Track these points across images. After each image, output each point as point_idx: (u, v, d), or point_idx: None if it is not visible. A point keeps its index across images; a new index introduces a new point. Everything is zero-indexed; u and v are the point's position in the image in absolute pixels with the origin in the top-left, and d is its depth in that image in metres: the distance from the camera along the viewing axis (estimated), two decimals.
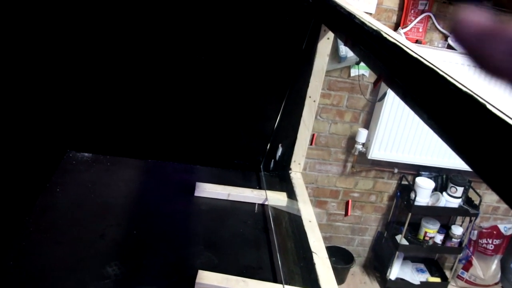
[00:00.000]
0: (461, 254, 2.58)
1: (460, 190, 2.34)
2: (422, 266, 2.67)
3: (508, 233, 2.62)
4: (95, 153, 1.21)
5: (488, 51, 0.13)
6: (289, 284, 0.91)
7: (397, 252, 2.46)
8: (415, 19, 1.93)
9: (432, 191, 2.35)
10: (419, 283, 2.58)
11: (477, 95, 0.37)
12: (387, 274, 2.52)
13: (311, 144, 2.19)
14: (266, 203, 1.16)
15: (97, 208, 1.01)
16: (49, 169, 1.11)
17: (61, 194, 1.04)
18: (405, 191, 2.41)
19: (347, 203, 2.42)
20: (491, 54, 0.13)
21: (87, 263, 0.84)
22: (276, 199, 1.18)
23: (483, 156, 0.36)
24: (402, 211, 2.44)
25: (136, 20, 1.06)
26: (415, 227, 2.52)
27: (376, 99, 2.15)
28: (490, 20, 0.14)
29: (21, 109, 1.04)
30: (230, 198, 1.15)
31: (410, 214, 2.32)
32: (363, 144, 2.23)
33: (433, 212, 2.42)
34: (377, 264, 2.63)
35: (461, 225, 2.53)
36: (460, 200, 2.36)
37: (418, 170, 2.40)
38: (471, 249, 2.65)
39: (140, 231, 0.97)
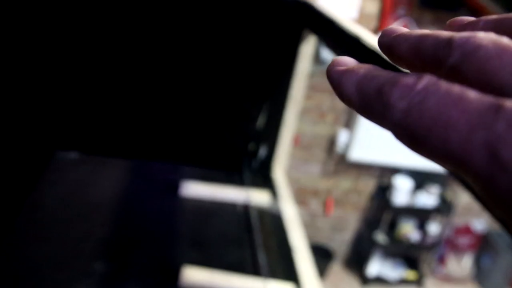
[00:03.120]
0: (437, 251, 2.66)
1: (436, 189, 2.41)
2: (400, 263, 2.75)
3: (482, 231, 2.71)
4: (82, 153, 1.22)
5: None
6: (271, 281, 0.93)
7: (376, 250, 2.52)
8: (394, 23, 1.99)
9: (410, 190, 2.42)
10: (397, 279, 2.65)
11: None
12: (366, 271, 2.58)
13: (293, 144, 2.22)
14: (249, 202, 1.18)
15: (84, 207, 1.02)
16: (37, 170, 1.11)
17: (48, 193, 1.04)
18: (384, 190, 2.47)
19: (328, 202, 2.46)
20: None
21: (73, 261, 0.85)
22: (259, 198, 1.20)
23: None
24: (381, 210, 2.50)
25: (122, 21, 1.06)
26: (393, 225, 2.58)
27: None
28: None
29: (8, 109, 1.04)
30: (214, 198, 1.17)
31: (388, 212, 2.38)
32: (344, 145, 2.27)
33: (411, 210, 2.49)
34: (357, 261, 2.69)
35: (437, 223, 2.60)
36: (436, 199, 2.44)
37: (396, 170, 2.47)
38: (447, 246, 2.73)
39: (126, 230, 0.98)
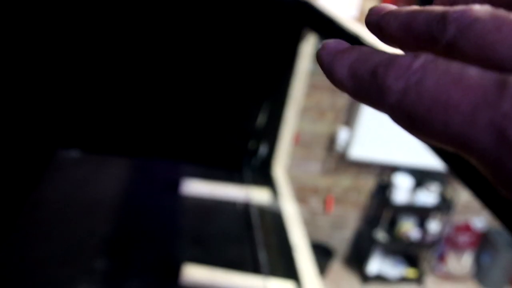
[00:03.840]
0: (437, 249, 2.67)
1: (436, 187, 2.42)
2: (400, 260, 2.75)
3: (482, 228, 2.72)
4: (84, 151, 1.22)
5: None
6: (271, 279, 0.94)
7: (376, 247, 2.52)
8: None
9: (410, 188, 2.42)
10: (397, 277, 2.65)
11: None
12: (366, 269, 2.59)
13: (293, 143, 2.23)
14: (249, 200, 1.19)
15: (85, 205, 1.02)
16: (39, 168, 1.12)
17: (50, 192, 1.05)
18: (384, 188, 2.47)
19: (328, 200, 2.47)
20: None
21: (75, 259, 0.86)
22: (259, 196, 1.20)
23: (457, 155, 0.39)
24: (381, 208, 2.51)
25: (124, 21, 1.07)
26: (393, 223, 2.59)
27: None
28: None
29: (10, 108, 1.04)
30: (214, 195, 1.18)
31: (388, 210, 2.38)
32: (344, 143, 2.28)
33: (411, 208, 2.49)
34: (357, 259, 2.70)
35: (437, 221, 2.61)
36: (436, 196, 2.44)
37: (396, 167, 2.47)
38: (447, 244, 2.74)
39: (127, 228, 0.99)
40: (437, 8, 0.15)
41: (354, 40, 0.69)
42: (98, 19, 1.05)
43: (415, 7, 0.16)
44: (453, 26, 0.14)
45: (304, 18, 1.07)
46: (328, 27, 0.83)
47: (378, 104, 0.15)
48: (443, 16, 0.14)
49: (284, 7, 1.11)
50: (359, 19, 2.01)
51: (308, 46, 1.18)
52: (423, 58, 0.14)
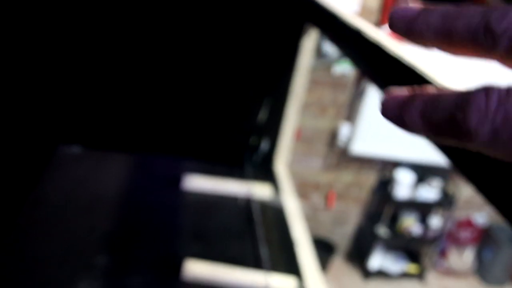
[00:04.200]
0: (439, 245, 2.67)
1: (438, 182, 2.42)
2: (401, 256, 2.76)
3: (483, 224, 2.71)
4: (85, 148, 1.22)
5: (405, 118, 0.16)
6: (273, 274, 0.94)
7: (378, 243, 2.52)
8: None
9: (412, 184, 2.42)
10: (398, 272, 2.66)
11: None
12: (368, 265, 2.59)
13: (295, 138, 2.23)
14: (251, 196, 1.19)
15: (87, 201, 1.02)
16: (40, 165, 1.12)
17: (51, 188, 1.05)
18: (386, 183, 2.47)
19: (329, 195, 2.47)
20: (407, 120, 0.16)
21: (77, 255, 0.86)
22: (261, 192, 1.20)
23: (459, 150, 0.39)
24: (383, 203, 2.51)
25: (124, 16, 1.06)
26: (394, 219, 2.59)
27: (359, 94, 2.19)
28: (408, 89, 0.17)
29: (11, 104, 1.04)
30: (216, 191, 1.18)
31: (390, 205, 2.38)
32: (346, 138, 2.27)
33: (412, 204, 2.49)
34: (358, 255, 2.70)
35: (439, 217, 2.61)
36: (438, 192, 2.44)
37: (398, 163, 2.47)
38: (448, 239, 2.74)
39: (129, 223, 0.99)
40: (472, 10, 0.15)
41: (355, 35, 0.69)
42: (99, 17, 1.05)
43: (446, 8, 0.15)
44: (505, 38, 0.14)
45: (305, 13, 1.06)
46: (329, 22, 0.82)
47: (465, 144, 0.15)
48: (487, 26, 0.14)
49: (285, 2, 1.10)
50: (360, 15, 2.00)
51: (310, 41, 1.18)
52: (496, 94, 0.14)
